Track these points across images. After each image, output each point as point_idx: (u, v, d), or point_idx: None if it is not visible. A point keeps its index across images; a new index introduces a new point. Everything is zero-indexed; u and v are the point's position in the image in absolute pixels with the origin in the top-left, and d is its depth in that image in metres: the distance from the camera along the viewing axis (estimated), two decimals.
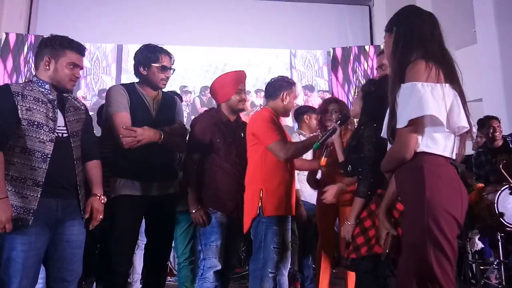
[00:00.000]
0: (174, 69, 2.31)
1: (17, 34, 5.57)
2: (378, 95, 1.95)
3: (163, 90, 2.36)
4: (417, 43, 1.47)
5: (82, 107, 2.03)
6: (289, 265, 2.39)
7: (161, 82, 2.27)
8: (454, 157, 1.45)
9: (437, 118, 1.38)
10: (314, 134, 2.41)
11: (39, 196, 1.79)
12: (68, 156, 1.88)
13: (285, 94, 2.40)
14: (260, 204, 2.22)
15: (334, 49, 6.02)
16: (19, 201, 1.77)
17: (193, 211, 2.27)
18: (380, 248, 1.76)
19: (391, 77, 1.51)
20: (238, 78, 2.44)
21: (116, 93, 2.20)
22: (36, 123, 1.80)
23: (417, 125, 1.39)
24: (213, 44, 5.96)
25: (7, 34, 5.54)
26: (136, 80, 2.32)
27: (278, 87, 2.42)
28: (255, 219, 2.24)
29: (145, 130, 2.11)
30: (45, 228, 1.80)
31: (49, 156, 1.82)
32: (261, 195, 2.23)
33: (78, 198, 1.92)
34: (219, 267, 2.23)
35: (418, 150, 1.42)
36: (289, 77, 2.66)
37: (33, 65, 2.33)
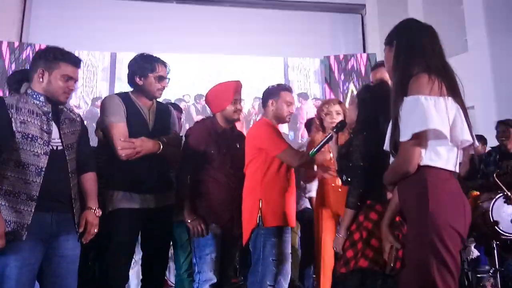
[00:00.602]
0: (169, 79, 2.30)
1: (8, 43, 5.52)
2: (373, 102, 1.95)
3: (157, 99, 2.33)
4: (418, 56, 1.48)
5: (78, 119, 2.01)
6: (289, 277, 2.34)
7: (158, 92, 2.25)
8: (457, 170, 1.45)
9: (441, 132, 1.38)
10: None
11: (33, 210, 1.75)
12: (62, 169, 1.85)
13: (271, 101, 2.40)
14: (259, 214, 2.21)
15: (327, 57, 6.06)
16: (12, 215, 1.73)
17: (189, 221, 2.24)
18: (364, 262, 1.77)
19: (393, 91, 1.52)
20: (234, 88, 2.42)
21: (112, 103, 2.17)
22: (30, 136, 1.77)
23: (420, 138, 1.39)
24: (207, 51, 5.97)
25: None
26: (129, 89, 2.28)
27: (266, 95, 2.45)
28: (254, 230, 2.22)
29: (144, 142, 2.09)
30: (39, 243, 1.76)
31: (43, 169, 1.78)
32: (260, 206, 2.21)
33: (73, 212, 1.89)
34: (214, 280, 2.20)
35: (421, 164, 1.41)
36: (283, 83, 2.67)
37: None
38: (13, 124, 1.76)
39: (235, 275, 3.77)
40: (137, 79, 2.22)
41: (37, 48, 5.40)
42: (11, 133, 1.75)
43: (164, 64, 2.27)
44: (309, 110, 6.07)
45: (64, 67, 1.85)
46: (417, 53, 1.49)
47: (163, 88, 2.26)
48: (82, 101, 5.74)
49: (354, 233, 1.87)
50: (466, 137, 1.42)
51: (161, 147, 2.14)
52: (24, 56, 5.40)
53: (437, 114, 1.37)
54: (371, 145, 1.85)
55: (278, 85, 2.49)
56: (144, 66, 2.21)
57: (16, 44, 5.54)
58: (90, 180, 1.99)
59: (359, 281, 1.80)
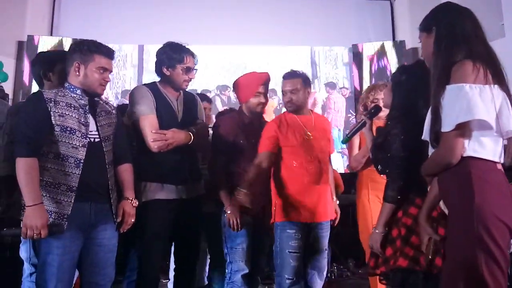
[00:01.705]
0: (197, 70, 2.27)
1: (40, 37, 5.65)
2: (410, 85, 1.82)
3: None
4: (461, 42, 1.40)
5: (114, 111, 2.04)
6: (324, 270, 2.30)
7: (184, 83, 2.23)
8: (502, 161, 1.39)
9: (486, 122, 1.32)
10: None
11: (72, 201, 1.81)
12: (100, 160, 1.90)
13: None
14: (274, 208, 2.21)
15: (355, 45, 5.91)
16: (53, 206, 1.79)
17: (229, 212, 2.24)
18: (404, 261, 1.68)
19: (434, 78, 1.44)
20: (258, 80, 2.38)
21: (141, 95, 2.17)
22: (69, 129, 1.83)
23: (464, 129, 1.34)
24: (233, 43, 5.93)
25: (31, 36, 5.62)
26: (157, 79, 2.27)
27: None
28: (273, 223, 2.22)
29: (176, 133, 2.09)
30: (79, 232, 1.82)
31: (82, 161, 1.84)
32: (275, 200, 2.22)
33: (110, 202, 1.93)
34: (246, 270, 2.20)
35: (464, 155, 1.36)
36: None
37: None
38: (52, 117, 1.81)
39: (268, 265, 3.78)
40: (165, 70, 2.20)
41: (65, 41, 5.53)
42: (51, 127, 1.81)
43: (192, 55, 2.25)
44: (337, 100, 5.97)
45: (99, 59, 1.90)
46: (460, 38, 1.41)
47: (190, 79, 2.24)
48: (112, 94, 5.85)
49: (392, 229, 1.77)
50: None
51: (192, 137, 2.13)
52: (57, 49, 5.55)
53: (482, 103, 1.31)
54: (411, 133, 1.73)
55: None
56: (173, 57, 2.19)
57: (48, 37, 5.68)
58: (126, 171, 2.03)
59: (400, 281, 1.72)
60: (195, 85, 5.35)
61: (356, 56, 5.89)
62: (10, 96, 5.23)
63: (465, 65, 1.35)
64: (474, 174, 1.33)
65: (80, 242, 1.84)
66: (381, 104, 2.27)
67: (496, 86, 1.36)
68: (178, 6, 5.97)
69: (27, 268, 2.21)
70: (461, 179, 1.35)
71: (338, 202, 2.45)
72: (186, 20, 5.82)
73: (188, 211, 2.19)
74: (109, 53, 1.95)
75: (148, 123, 2.10)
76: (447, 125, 1.35)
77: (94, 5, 5.97)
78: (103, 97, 2.07)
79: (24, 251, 2.22)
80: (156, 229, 2.11)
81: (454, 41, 1.42)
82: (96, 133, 1.91)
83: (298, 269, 2.14)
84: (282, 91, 2.34)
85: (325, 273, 2.34)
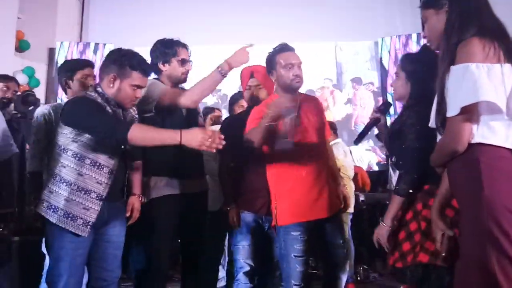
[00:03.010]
0: (192, 61, 2.23)
1: (70, 42, 5.86)
2: (424, 73, 1.72)
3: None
4: (474, 18, 1.30)
5: (136, 116, 2.04)
6: (344, 265, 2.17)
7: (182, 75, 2.20)
8: None
9: (495, 104, 1.20)
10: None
11: (99, 209, 1.82)
12: (121, 165, 1.91)
13: (271, 73, 2.13)
14: (275, 211, 2.03)
15: (382, 39, 5.72)
16: (82, 212, 1.80)
17: (229, 209, 2.21)
18: (425, 256, 1.57)
19: (441, 58, 1.34)
20: (245, 74, 2.35)
21: (158, 87, 2.12)
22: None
23: (471, 112, 1.23)
24: (257, 41, 5.87)
25: (64, 43, 5.84)
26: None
27: (267, 70, 2.20)
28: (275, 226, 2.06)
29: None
30: (92, 229, 1.83)
31: (113, 172, 1.85)
32: (275, 202, 2.04)
33: (123, 200, 1.97)
34: (247, 268, 2.13)
35: (473, 141, 1.25)
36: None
37: None
38: None
39: None
40: (161, 66, 2.18)
41: (93, 46, 5.69)
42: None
43: (185, 46, 2.22)
44: (363, 96, 5.79)
45: (136, 76, 1.85)
46: (473, 14, 1.31)
47: (187, 71, 2.21)
48: None
49: (410, 223, 1.66)
50: None
51: None
52: (85, 53, 5.75)
53: (490, 83, 1.19)
54: (427, 123, 1.57)
55: (273, 50, 2.17)
56: (166, 51, 2.16)
57: (78, 43, 5.88)
58: (138, 168, 2.05)
59: (419, 277, 1.61)
60: (226, 87, 5.37)
61: (383, 50, 5.69)
62: (42, 101, 5.45)
63: (472, 42, 1.25)
64: (483, 162, 1.21)
65: (91, 238, 1.85)
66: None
67: (508, 64, 1.24)
68: (202, 8, 6.01)
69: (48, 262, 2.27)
70: (469, 168, 1.25)
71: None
72: (206, 20, 5.84)
73: (193, 207, 2.15)
74: (146, 71, 1.90)
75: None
76: (452, 109, 1.24)
77: (121, 11, 6.13)
78: None
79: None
80: (167, 224, 2.09)
81: (468, 17, 1.31)
82: None
83: (306, 273, 2.00)
84: (288, 64, 2.06)
85: (346, 268, 2.20)
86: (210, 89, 2.09)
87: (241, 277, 2.13)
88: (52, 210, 1.78)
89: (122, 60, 1.83)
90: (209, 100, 5.64)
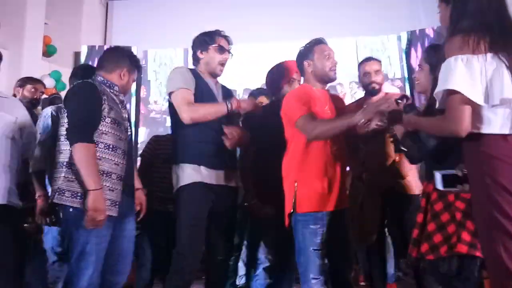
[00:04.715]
0: (232, 54, 2.24)
1: (93, 46, 6.00)
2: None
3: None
4: (470, 18, 1.38)
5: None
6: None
7: (219, 65, 2.20)
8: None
9: (470, 94, 1.31)
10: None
11: (121, 189, 1.90)
12: (130, 153, 2.01)
13: (307, 63, 2.12)
14: (294, 199, 1.97)
15: (406, 32, 5.59)
16: (109, 194, 1.86)
17: (252, 203, 2.23)
18: (463, 247, 1.54)
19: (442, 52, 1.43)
20: (290, 67, 2.39)
21: (181, 73, 2.15)
22: (117, 122, 1.93)
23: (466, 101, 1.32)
24: (277, 39, 5.87)
25: (88, 47, 5.98)
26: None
27: (299, 60, 2.18)
28: (292, 216, 2.00)
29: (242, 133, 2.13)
30: (111, 222, 1.88)
31: (126, 152, 1.95)
32: (296, 189, 1.97)
33: (133, 193, 1.98)
34: (267, 263, 2.13)
35: (475, 131, 1.33)
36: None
37: None
38: (105, 109, 1.90)
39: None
40: (199, 53, 2.22)
41: None
42: (102, 117, 1.89)
43: (225, 37, 2.25)
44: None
45: (136, 73, 2.15)
46: (470, 14, 1.38)
47: (225, 60, 2.21)
48: (160, 96, 6.07)
49: (442, 214, 1.64)
50: (506, 94, 1.28)
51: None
52: None
53: (465, 74, 1.27)
54: None
55: (309, 42, 2.21)
56: (204, 40, 2.21)
57: (101, 47, 6.01)
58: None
59: (456, 268, 1.59)
60: (247, 84, 5.39)
61: (407, 44, 5.56)
62: None
63: (454, 39, 1.35)
64: (483, 152, 1.28)
65: (111, 231, 1.89)
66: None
67: (489, 54, 1.30)
68: (221, 11, 6.03)
69: (50, 257, 2.34)
70: (472, 158, 1.32)
71: None
72: (229, 20, 5.83)
73: (225, 201, 2.11)
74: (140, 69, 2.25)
75: (182, 96, 2.07)
76: (437, 98, 1.37)
77: (144, 15, 6.23)
78: (152, 101, 2.26)
79: (48, 241, 2.35)
80: (197, 214, 2.01)
81: (464, 16, 1.39)
82: (129, 127, 2.06)
83: (325, 266, 1.94)
84: (326, 54, 2.13)
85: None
86: (212, 115, 2.08)
87: (260, 273, 2.12)
88: (79, 197, 1.79)
89: (135, 59, 2.14)
90: None
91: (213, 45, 2.18)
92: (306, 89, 2.10)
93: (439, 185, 1.61)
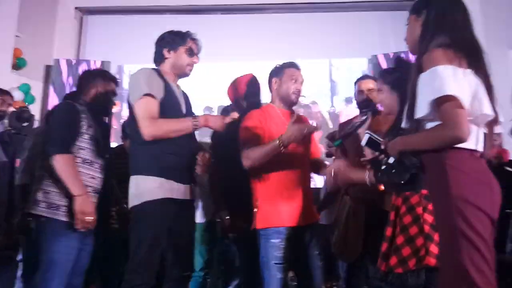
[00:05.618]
0: (199, 57, 2.16)
1: (67, 60, 5.90)
2: (405, 79, 1.74)
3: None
4: (446, 31, 1.39)
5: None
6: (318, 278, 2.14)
7: (187, 67, 2.11)
8: (480, 149, 1.34)
9: (461, 100, 1.28)
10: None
11: (95, 202, 2.00)
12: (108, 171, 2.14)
13: (274, 80, 2.22)
14: (256, 215, 2.03)
15: (375, 56, 5.79)
16: None
17: (221, 217, 2.32)
18: (432, 260, 1.58)
19: (414, 64, 1.43)
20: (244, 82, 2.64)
21: (149, 77, 1.98)
22: (94, 138, 2.05)
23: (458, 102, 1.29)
24: (250, 58, 5.95)
25: (57, 60, 5.87)
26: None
27: (269, 76, 2.27)
28: (255, 231, 2.04)
29: (215, 118, 2.09)
30: (82, 234, 1.93)
31: (104, 167, 2.09)
32: (257, 205, 2.06)
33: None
34: (237, 280, 2.13)
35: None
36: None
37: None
38: (84, 126, 2.04)
39: None
40: (166, 52, 2.09)
41: (91, 64, 5.74)
42: (80, 133, 2.02)
43: (195, 40, 2.16)
44: (350, 115, 5.81)
45: (112, 84, 2.30)
46: (446, 27, 1.39)
47: (193, 64, 2.12)
48: None
49: (410, 227, 1.68)
50: (485, 111, 1.31)
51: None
52: (80, 71, 5.77)
53: (455, 82, 1.27)
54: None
55: (284, 63, 2.28)
56: (174, 39, 2.10)
57: (74, 61, 5.92)
58: None
59: (424, 281, 1.62)
60: (222, 100, 5.40)
61: (377, 67, 5.76)
62: (37, 117, 5.46)
63: (435, 52, 1.34)
64: (448, 165, 1.28)
65: (80, 245, 1.95)
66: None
67: (469, 70, 1.33)
68: (198, 27, 6.07)
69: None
70: (438, 171, 1.31)
71: None
72: (205, 39, 5.91)
73: (186, 214, 2.08)
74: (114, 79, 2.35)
75: (145, 108, 1.91)
76: (421, 108, 1.32)
77: (118, 30, 6.20)
78: None
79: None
80: (158, 233, 1.91)
81: (441, 28, 1.39)
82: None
83: (284, 281, 2.01)
84: (294, 78, 2.22)
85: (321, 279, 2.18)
86: (176, 133, 1.97)
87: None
88: (54, 208, 1.90)
89: (104, 74, 2.31)
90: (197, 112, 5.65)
91: (184, 46, 2.10)
92: (262, 111, 2.18)
93: (363, 142, 1.70)
